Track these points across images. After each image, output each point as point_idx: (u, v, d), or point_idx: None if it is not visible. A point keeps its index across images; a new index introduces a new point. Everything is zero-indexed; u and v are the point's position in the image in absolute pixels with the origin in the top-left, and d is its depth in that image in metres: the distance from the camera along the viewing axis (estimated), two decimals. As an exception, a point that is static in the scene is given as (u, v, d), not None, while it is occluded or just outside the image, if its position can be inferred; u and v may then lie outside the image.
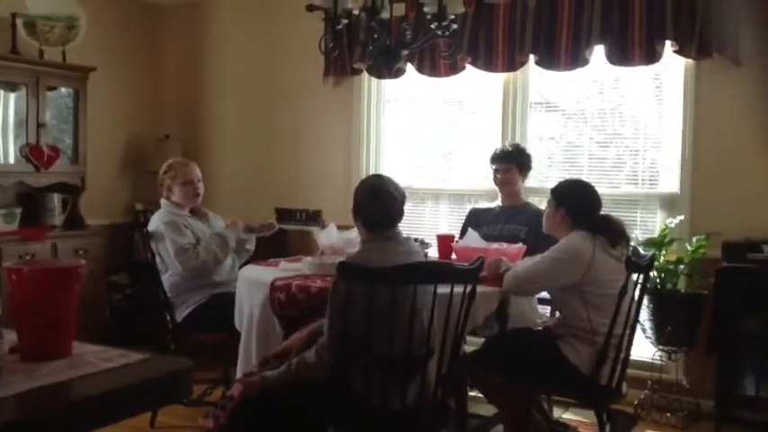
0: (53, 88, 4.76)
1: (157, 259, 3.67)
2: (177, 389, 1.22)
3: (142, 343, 4.74)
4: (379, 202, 2.55)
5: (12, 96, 4.63)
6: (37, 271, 1.20)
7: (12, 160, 4.58)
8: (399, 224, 2.60)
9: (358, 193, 2.63)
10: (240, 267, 3.68)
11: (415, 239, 3.53)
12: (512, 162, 3.79)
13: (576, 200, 2.98)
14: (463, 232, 3.84)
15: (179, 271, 3.54)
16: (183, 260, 3.51)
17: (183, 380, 1.22)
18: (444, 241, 3.55)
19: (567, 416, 3.87)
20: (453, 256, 3.40)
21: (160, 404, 1.17)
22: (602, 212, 3.01)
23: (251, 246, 3.89)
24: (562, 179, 3.13)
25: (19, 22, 4.56)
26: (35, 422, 1.00)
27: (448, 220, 4.74)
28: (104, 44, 5.19)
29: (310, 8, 4.52)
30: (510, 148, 3.87)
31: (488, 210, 3.93)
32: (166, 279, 3.65)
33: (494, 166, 3.85)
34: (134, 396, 1.13)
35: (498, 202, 3.92)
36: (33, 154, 4.54)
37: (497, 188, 3.89)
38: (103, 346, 1.27)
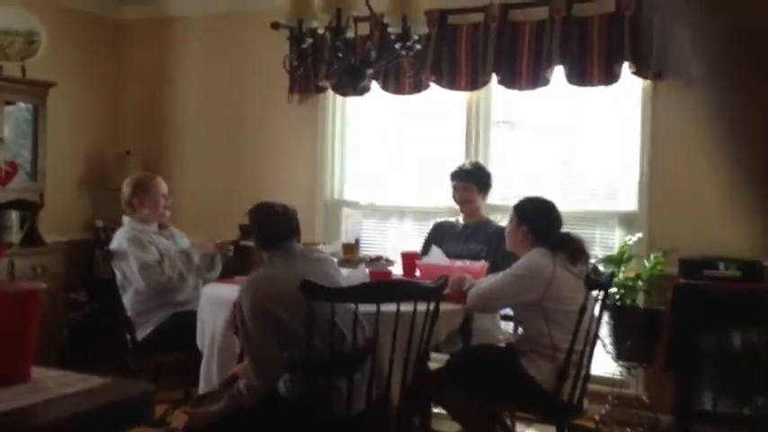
0: (11, 103, 4.68)
1: (118, 278, 3.62)
2: (139, 413, 1.20)
3: (102, 362, 4.66)
4: (266, 222, 2.63)
5: (-32, 111, 4.53)
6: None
7: (-32, 176, 4.47)
8: (296, 239, 2.65)
9: (250, 220, 2.70)
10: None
11: (380, 257, 3.57)
12: (471, 181, 3.83)
13: (538, 217, 3.03)
14: (426, 246, 3.86)
15: (142, 287, 3.50)
16: (147, 276, 3.47)
17: (145, 404, 1.20)
18: (408, 259, 3.56)
19: (531, 431, 3.90)
20: (417, 274, 3.42)
21: (122, 429, 1.15)
22: (562, 230, 3.06)
23: (213, 275, 3.85)
24: (524, 197, 3.17)
25: (-23, 35, 4.48)
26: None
27: (413, 237, 4.76)
28: (65, 59, 5.13)
29: (275, 26, 4.53)
30: (469, 167, 3.90)
31: (451, 225, 3.95)
32: (128, 298, 3.60)
33: (453, 183, 3.88)
34: (96, 421, 1.12)
35: (460, 220, 3.95)
36: (-9, 170, 4.44)
37: (457, 205, 3.92)
38: (63, 371, 1.25)
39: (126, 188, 3.74)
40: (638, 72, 3.96)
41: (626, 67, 3.99)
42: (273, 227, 2.60)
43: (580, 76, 4.06)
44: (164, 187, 3.77)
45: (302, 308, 2.29)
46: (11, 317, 1.17)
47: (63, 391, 1.16)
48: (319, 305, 2.30)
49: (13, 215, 4.67)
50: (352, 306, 2.39)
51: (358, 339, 2.45)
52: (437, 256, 3.51)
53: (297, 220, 2.67)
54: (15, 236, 4.67)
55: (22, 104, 4.78)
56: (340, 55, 3.36)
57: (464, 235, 3.82)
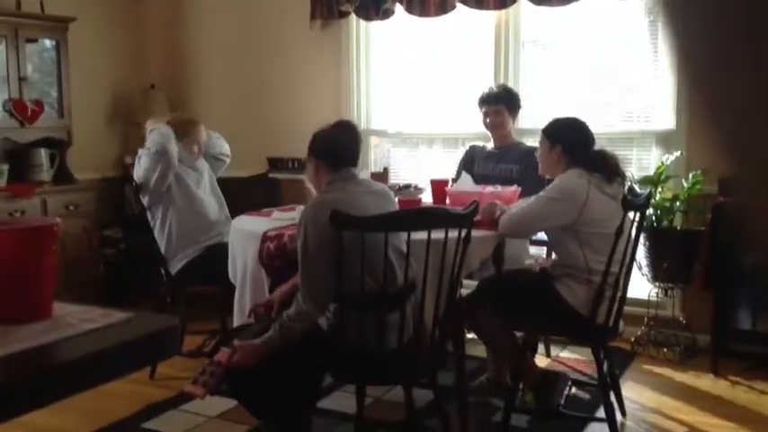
0: (33, 40, 4.63)
1: (148, 212, 3.63)
2: (163, 347, 1.19)
3: (138, 297, 4.76)
4: (339, 140, 2.55)
5: (-9, 50, 4.50)
6: (8, 231, 1.16)
7: (-5, 116, 4.49)
8: (355, 167, 2.57)
9: (317, 136, 2.59)
10: (232, 215, 3.65)
11: (409, 185, 3.51)
12: (500, 103, 3.72)
13: (571, 135, 2.93)
14: (460, 170, 3.80)
15: (145, 181, 3.53)
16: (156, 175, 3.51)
17: (168, 338, 1.18)
18: (438, 186, 3.50)
19: (565, 354, 3.90)
20: (447, 201, 3.36)
21: (145, 364, 1.14)
22: (596, 148, 2.96)
23: (223, 148, 3.92)
24: (556, 117, 3.06)
25: (-7, -28, 4.41)
26: (15, 387, 0.97)
27: (442, 164, 4.68)
28: (83, -7, 5.03)
29: (294, -52, 4.40)
30: (497, 89, 3.79)
31: (484, 148, 3.88)
32: (159, 233, 3.62)
33: (483, 109, 3.77)
34: (118, 357, 1.10)
35: (490, 144, 3.86)
36: (17, 109, 4.44)
37: (487, 130, 3.82)
38: (85, 306, 1.23)
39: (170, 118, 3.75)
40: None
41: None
42: (342, 149, 2.53)
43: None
44: (203, 135, 3.74)
45: (368, 238, 2.25)
46: (26, 253, 1.15)
47: (85, 326, 1.14)
48: (370, 237, 2.25)
49: (43, 153, 4.70)
50: (401, 239, 2.34)
51: (401, 276, 2.40)
52: (467, 183, 3.44)
53: (360, 148, 2.60)
54: (46, 174, 4.71)
55: (45, 42, 4.73)
56: (361, -25, 3.22)
57: (496, 156, 3.75)
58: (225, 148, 3.94)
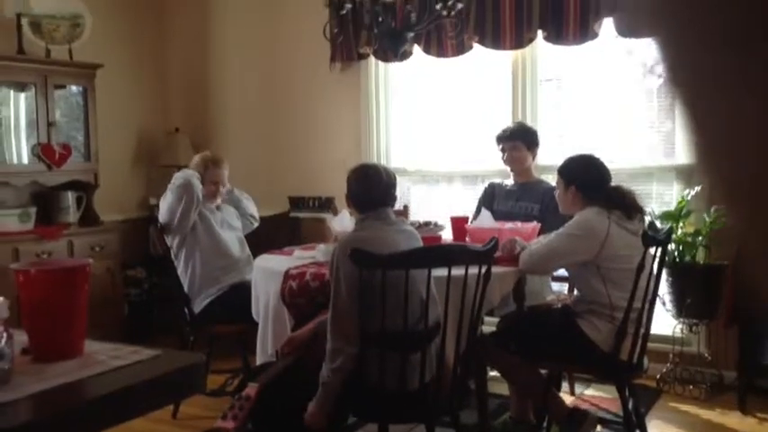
0: (61, 86, 4.77)
1: (172, 252, 3.68)
2: (190, 384, 1.21)
3: (162, 336, 4.79)
4: (366, 184, 2.58)
5: (21, 96, 4.64)
6: (44, 272, 1.20)
7: (25, 160, 4.60)
8: (391, 207, 2.62)
9: (349, 178, 2.64)
10: (254, 253, 3.69)
11: (429, 222, 3.54)
12: (517, 139, 3.75)
13: (584, 174, 2.94)
14: (480, 207, 3.83)
15: (170, 215, 3.58)
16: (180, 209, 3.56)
17: (195, 375, 1.21)
18: (458, 223, 3.52)
19: (590, 392, 3.85)
20: (467, 238, 3.38)
21: (173, 400, 1.16)
22: (612, 184, 2.97)
23: (250, 209, 3.98)
24: (566, 157, 3.08)
25: (24, 21, 4.56)
26: (48, 424, 0.99)
27: (461, 202, 4.70)
28: (110, 40, 5.19)
29: (314, -6, 4.51)
30: (513, 126, 3.83)
31: (503, 186, 3.91)
32: (182, 272, 3.67)
33: (500, 146, 3.81)
34: (147, 393, 1.13)
35: (511, 181, 3.89)
36: (45, 153, 4.56)
37: (508, 167, 3.85)
38: (115, 344, 1.26)
39: (192, 161, 3.85)
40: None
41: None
42: (374, 189, 2.57)
43: (629, 27, 3.90)
44: (218, 175, 3.79)
45: (394, 277, 2.28)
46: (59, 293, 1.18)
47: (115, 363, 1.17)
48: (393, 275, 2.28)
49: (70, 196, 4.79)
50: (423, 277, 2.37)
51: (430, 317, 2.42)
52: (486, 220, 3.46)
53: (395, 186, 2.64)
54: (73, 216, 4.80)
55: (72, 87, 4.86)
56: (380, 19, 3.30)
57: (516, 194, 3.77)
58: (253, 209, 4.01)
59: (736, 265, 3.58)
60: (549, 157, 4.27)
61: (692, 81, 0.39)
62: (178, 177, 3.63)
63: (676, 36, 0.38)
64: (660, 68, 4.12)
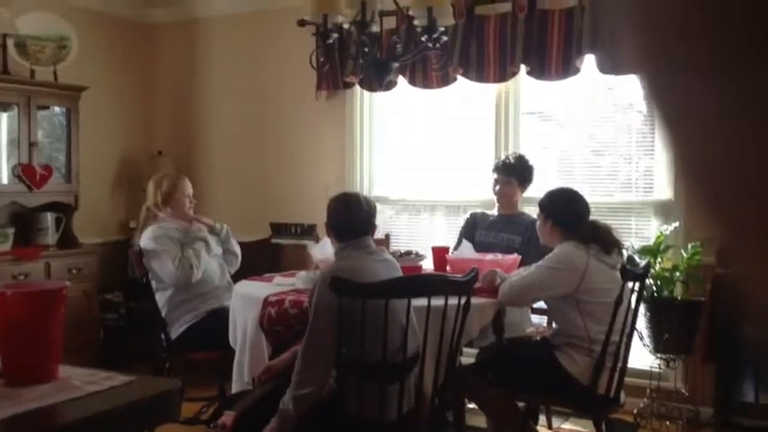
0: (45, 107, 4.75)
1: (150, 276, 3.65)
2: (165, 411, 1.20)
3: (137, 361, 4.73)
4: (347, 213, 2.59)
5: (3, 116, 4.62)
6: (20, 294, 1.19)
7: (5, 180, 4.56)
8: (370, 235, 2.62)
9: (329, 207, 2.65)
10: (234, 279, 3.68)
11: (410, 251, 3.55)
12: (512, 176, 3.78)
13: (561, 210, 2.98)
14: (461, 237, 3.84)
15: (176, 279, 3.52)
16: (180, 266, 3.50)
17: (170, 402, 1.20)
18: (439, 253, 3.54)
19: (567, 426, 3.85)
20: (448, 268, 3.39)
21: (147, 427, 1.15)
22: (590, 218, 3.00)
23: (234, 247, 3.91)
24: (547, 191, 3.12)
25: (9, 42, 4.55)
26: (19, 448, 0.98)
27: (443, 231, 4.72)
28: (96, 63, 5.19)
29: (302, 23, 4.55)
30: (513, 161, 3.83)
31: (486, 216, 3.93)
32: (160, 296, 3.63)
33: (495, 176, 3.83)
34: (121, 420, 1.11)
35: (494, 211, 3.91)
36: (25, 173, 4.52)
37: (495, 197, 3.88)
38: (89, 369, 1.25)
39: (151, 187, 3.76)
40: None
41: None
42: (354, 219, 2.57)
43: (611, 63, 3.98)
44: (188, 188, 3.78)
45: (375, 307, 2.27)
46: (35, 315, 1.17)
47: (89, 388, 1.16)
48: (373, 305, 2.28)
49: (49, 217, 4.75)
50: (402, 307, 2.36)
51: (408, 347, 2.41)
52: (467, 251, 3.48)
53: (375, 215, 2.65)
54: (51, 238, 4.75)
55: (55, 108, 4.85)
56: (366, 50, 3.34)
57: (498, 225, 3.79)
58: (236, 247, 3.94)
59: (712, 302, 3.61)
60: (531, 189, 4.30)
61: (675, 106, 0.40)
62: (179, 274, 3.53)
63: (655, 60, 0.39)
64: (640, 104, 4.20)
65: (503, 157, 3.90)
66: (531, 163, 3.87)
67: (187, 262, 3.52)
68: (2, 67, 4.53)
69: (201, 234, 3.70)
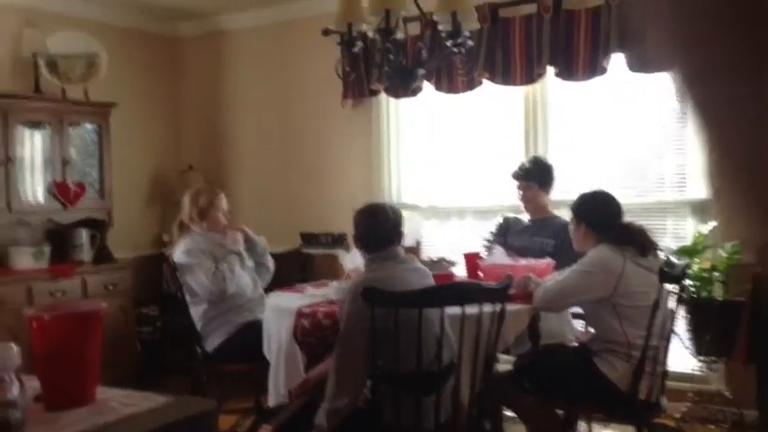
0: (76, 124, 4.82)
1: (185, 290, 3.67)
2: (202, 430, 1.20)
3: (174, 374, 4.76)
4: (374, 224, 2.57)
5: (37, 135, 4.69)
6: (58, 318, 1.19)
7: (40, 198, 4.63)
8: (398, 244, 2.60)
9: (355, 219, 2.64)
10: (265, 290, 3.68)
11: (441, 258, 3.52)
12: (530, 179, 3.75)
13: (594, 212, 2.94)
14: (494, 241, 3.81)
15: (210, 292, 3.53)
16: (213, 280, 3.51)
17: (208, 421, 1.19)
18: (471, 259, 3.50)
19: (607, 432, 3.78)
20: (480, 275, 3.36)
21: (186, 448, 1.14)
22: (624, 220, 2.94)
23: (268, 262, 3.90)
24: (579, 194, 3.07)
25: (41, 61, 4.63)
26: (59, 474, 0.98)
27: (473, 237, 4.68)
28: (125, 79, 5.26)
29: (326, 32, 4.56)
30: (529, 165, 3.80)
31: (518, 221, 3.89)
32: (195, 310, 3.65)
33: (516, 184, 3.81)
34: (159, 441, 1.11)
35: (528, 216, 3.87)
36: (60, 191, 4.59)
37: (521, 203, 3.84)
38: (127, 390, 1.25)
39: (186, 202, 3.78)
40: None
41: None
42: (381, 229, 2.56)
43: (640, 61, 3.92)
44: (224, 203, 3.79)
45: (408, 317, 2.25)
46: (73, 338, 1.18)
47: (127, 411, 1.16)
48: (406, 314, 2.25)
49: (84, 234, 4.82)
50: (437, 316, 2.34)
51: (443, 356, 2.38)
52: (500, 256, 3.44)
53: (402, 224, 2.63)
54: (87, 254, 4.81)
55: (86, 125, 4.91)
56: (391, 57, 3.32)
57: (531, 229, 3.76)
58: (270, 262, 3.92)
59: (752, 302, 3.53)
60: (563, 192, 4.25)
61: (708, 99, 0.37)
62: (217, 287, 3.55)
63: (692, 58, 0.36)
64: (675, 100, 4.12)
65: (519, 165, 3.86)
66: (549, 163, 3.84)
67: (221, 275, 3.54)
68: (34, 86, 4.61)
69: (235, 248, 3.71)
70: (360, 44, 3.21)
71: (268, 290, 3.67)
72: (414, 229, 4.97)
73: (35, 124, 4.63)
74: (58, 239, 4.76)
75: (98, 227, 4.90)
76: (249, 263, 3.78)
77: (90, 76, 4.83)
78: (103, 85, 4.89)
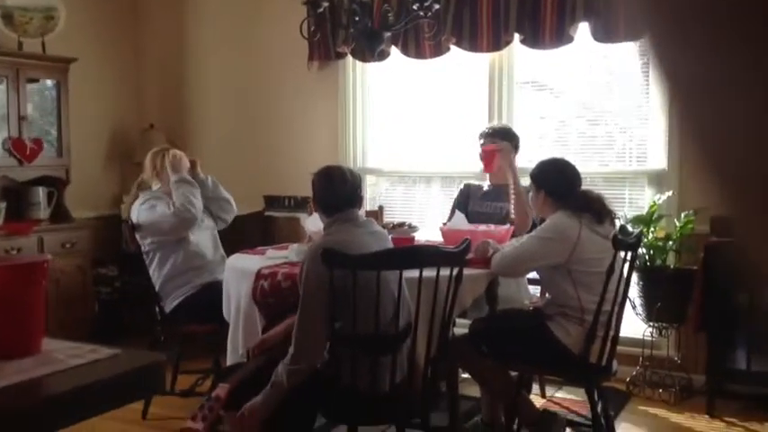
0: (34, 80, 4.70)
1: (144, 250, 3.64)
2: (150, 384, 1.20)
3: (132, 335, 4.74)
4: (331, 187, 2.56)
5: (-7, 89, 4.57)
6: (2, 268, 1.18)
7: (-5, 155, 4.53)
8: (358, 208, 2.60)
9: (313, 181, 2.63)
10: (227, 252, 3.67)
11: (403, 223, 3.54)
12: (498, 138, 3.77)
13: (553, 180, 2.96)
14: (454, 208, 3.83)
15: (176, 224, 3.50)
16: (179, 213, 3.48)
17: (155, 375, 1.19)
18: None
19: (561, 394, 3.88)
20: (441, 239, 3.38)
21: (132, 399, 1.14)
22: (582, 188, 2.99)
23: (224, 194, 3.88)
24: (538, 161, 3.10)
25: (-4, 13, 4.49)
26: (2, 421, 0.97)
27: (438, 203, 4.71)
28: (84, 34, 5.12)
29: (292, -9, 4.48)
30: (497, 127, 3.85)
31: (479, 187, 3.92)
32: (154, 270, 3.63)
33: (481, 142, 3.82)
34: (104, 392, 1.11)
35: (487, 182, 3.90)
36: (16, 147, 4.49)
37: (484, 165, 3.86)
38: (74, 343, 1.24)
39: (147, 163, 3.74)
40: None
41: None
42: (339, 191, 2.55)
43: (605, 31, 3.94)
44: (184, 161, 3.74)
45: (366, 279, 2.26)
46: (17, 290, 1.16)
47: (72, 362, 1.15)
48: (364, 277, 2.26)
49: (41, 191, 4.73)
50: (395, 278, 2.35)
51: (401, 318, 2.40)
52: (460, 222, 3.47)
53: (361, 187, 2.63)
54: (43, 212, 4.73)
55: (45, 81, 4.80)
56: (357, 19, 3.30)
57: (490, 195, 3.79)
58: (226, 193, 3.91)
59: (704, 271, 3.62)
60: (525, 159, 4.28)
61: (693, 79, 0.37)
62: (186, 209, 3.51)
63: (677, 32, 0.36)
64: (635, 72, 4.16)
65: (487, 127, 3.88)
66: (515, 131, 3.87)
67: (181, 203, 3.49)
68: (-11, 39, 4.47)
69: (184, 176, 3.64)
70: (325, 4, 3.18)
71: (229, 252, 3.65)
72: (378, 193, 5.00)
73: (-10, 78, 4.51)
74: (14, 197, 4.66)
75: (56, 185, 4.81)
76: (209, 221, 3.76)
77: (48, 30, 4.70)
78: (62, 41, 4.76)
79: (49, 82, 4.81)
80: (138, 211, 3.59)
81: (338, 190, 2.55)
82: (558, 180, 2.96)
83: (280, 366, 2.35)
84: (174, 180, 3.58)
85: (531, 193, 3.07)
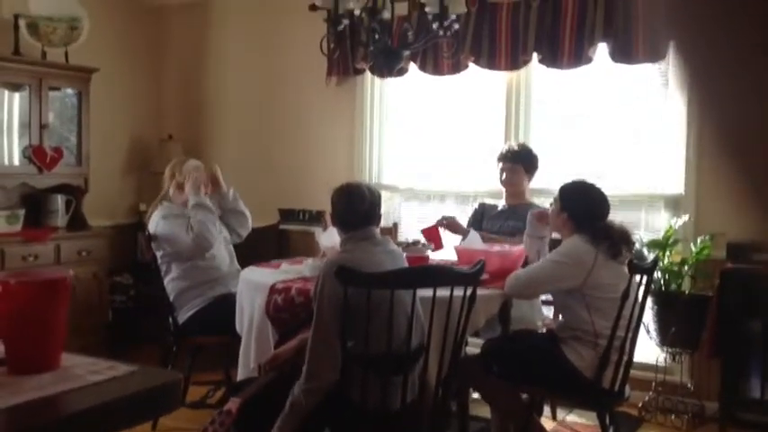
0: (56, 89, 4.76)
1: (159, 260, 3.66)
2: (166, 402, 1.21)
3: (145, 344, 4.76)
4: (350, 204, 2.57)
5: (15, 97, 4.62)
6: (24, 283, 1.19)
7: (16, 161, 4.58)
8: (375, 226, 2.60)
9: (333, 197, 2.64)
10: (241, 264, 3.68)
11: (417, 241, 3.54)
12: (518, 162, 3.79)
13: (579, 206, 2.94)
14: (469, 227, 3.84)
15: (192, 249, 3.55)
16: (196, 238, 3.53)
17: (171, 392, 1.20)
18: (430, 233, 3.57)
19: (571, 417, 3.85)
20: (455, 258, 3.38)
21: (149, 417, 1.15)
22: (609, 220, 2.95)
23: (242, 207, 3.92)
24: (571, 180, 3.05)
25: (21, 23, 4.56)
26: (20, 438, 0.99)
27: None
28: (107, 45, 5.19)
29: (313, 8, 4.50)
30: (517, 148, 3.86)
31: (494, 206, 3.93)
32: (169, 281, 3.65)
33: (500, 165, 3.84)
34: (123, 409, 1.12)
35: (503, 202, 3.91)
36: (36, 155, 4.54)
37: (502, 186, 3.87)
38: (93, 358, 1.26)
39: (167, 176, 3.78)
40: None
41: (672, 44, 3.86)
42: (357, 209, 2.56)
43: (624, 52, 3.94)
44: (200, 173, 3.76)
45: (380, 298, 2.26)
46: (39, 305, 1.18)
47: (91, 378, 1.16)
48: (378, 296, 2.27)
49: (59, 199, 4.77)
50: (408, 298, 2.35)
51: (414, 338, 2.40)
52: (475, 241, 3.47)
53: (380, 205, 2.63)
54: (61, 220, 4.77)
55: (66, 90, 4.85)
56: (377, 37, 3.31)
57: (505, 214, 3.80)
58: (245, 208, 3.94)
59: (719, 297, 3.59)
60: (540, 179, 4.28)
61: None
62: (202, 234, 3.55)
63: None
64: (653, 94, 4.15)
65: (507, 146, 3.90)
66: (534, 152, 3.88)
67: (199, 231, 3.52)
68: (14, 48, 4.54)
69: (195, 200, 3.65)
70: (346, 22, 3.20)
71: (243, 264, 3.66)
72: (392, 210, 5.00)
73: (14, 86, 4.57)
74: (34, 204, 4.71)
75: (74, 193, 4.86)
76: (225, 233, 3.78)
77: (71, 40, 4.76)
78: (85, 51, 4.82)
79: (70, 91, 4.86)
80: (157, 223, 3.62)
81: (357, 207, 2.56)
82: (585, 207, 2.94)
83: (296, 387, 2.36)
84: (192, 203, 3.62)
85: (553, 208, 3.05)
